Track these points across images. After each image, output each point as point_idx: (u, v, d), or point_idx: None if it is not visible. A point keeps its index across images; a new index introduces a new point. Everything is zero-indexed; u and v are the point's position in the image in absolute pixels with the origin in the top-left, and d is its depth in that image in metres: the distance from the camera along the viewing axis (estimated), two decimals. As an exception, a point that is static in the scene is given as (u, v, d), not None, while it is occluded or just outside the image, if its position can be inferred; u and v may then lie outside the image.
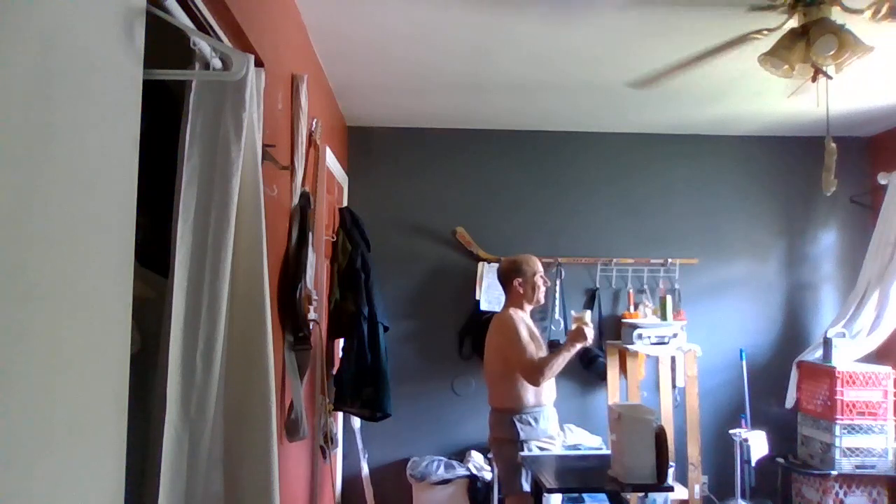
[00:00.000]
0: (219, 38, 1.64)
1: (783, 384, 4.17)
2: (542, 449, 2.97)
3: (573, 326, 3.05)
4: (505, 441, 2.97)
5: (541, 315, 4.21)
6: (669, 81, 3.24)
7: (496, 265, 4.19)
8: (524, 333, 3.02)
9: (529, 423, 2.96)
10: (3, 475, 0.79)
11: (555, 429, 3.10)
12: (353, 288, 3.20)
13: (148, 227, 1.48)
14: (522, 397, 2.99)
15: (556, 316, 4.28)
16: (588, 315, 3.05)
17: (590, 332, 2.97)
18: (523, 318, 3.12)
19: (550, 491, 2.56)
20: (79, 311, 0.96)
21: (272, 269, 2.08)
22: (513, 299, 3.17)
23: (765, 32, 2.55)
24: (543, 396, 3.04)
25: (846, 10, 2.32)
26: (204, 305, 1.34)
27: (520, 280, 3.14)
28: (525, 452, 2.91)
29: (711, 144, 4.50)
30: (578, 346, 2.97)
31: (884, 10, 2.27)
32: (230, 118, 1.41)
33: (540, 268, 3.20)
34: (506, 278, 3.20)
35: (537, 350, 3.02)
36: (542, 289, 3.16)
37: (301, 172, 2.57)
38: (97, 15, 1.02)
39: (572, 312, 3.18)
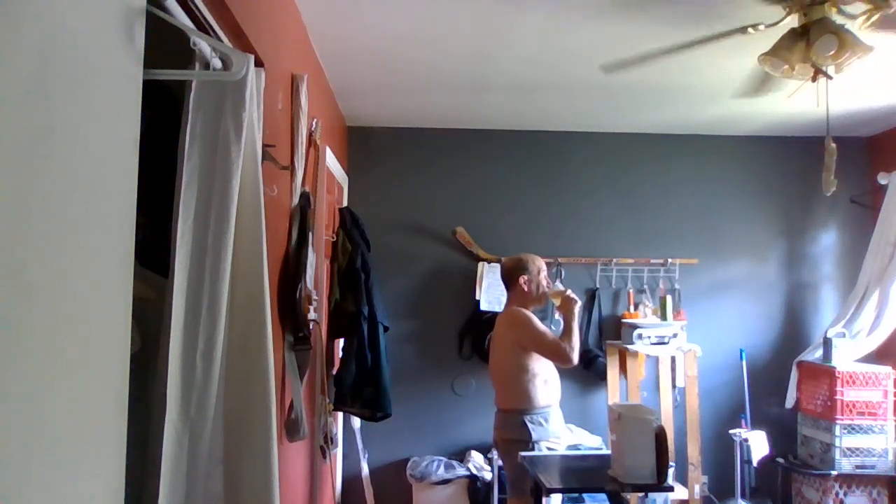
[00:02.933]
0: (219, 38, 1.64)
1: (783, 384, 4.17)
2: (549, 449, 2.95)
3: (556, 302, 3.14)
4: (515, 442, 2.93)
5: (540, 315, 4.20)
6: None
7: (496, 265, 4.21)
8: (538, 321, 3.05)
9: (540, 424, 2.95)
10: (3, 475, 0.78)
11: (562, 428, 3.10)
12: (353, 288, 3.20)
13: (148, 227, 1.48)
14: (533, 397, 2.98)
15: (557, 316, 4.26)
16: (560, 286, 3.24)
17: (572, 294, 3.10)
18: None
19: (551, 491, 2.56)
20: (79, 311, 0.96)
21: (272, 269, 2.08)
22: (517, 298, 3.16)
23: (761, 27, 2.55)
24: (552, 396, 3.03)
25: (843, 14, 2.33)
26: (204, 305, 1.34)
27: (526, 278, 3.13)
28: (535, 452, 2.89)
29: (711, 144, 4.50)
30: (577, 310, 3.06)
31: (874, 18, 2.28)
32: (230, 118, 1.41)
33: (545, 268, 3.21)
34: (510, 276, 3.18)
35: None
36: (545, 290, 3.17)
37: (301, 172, 2.57)
38: (97, 15, 1.02)
39: (546, 290, 3.19)
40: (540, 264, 3.19)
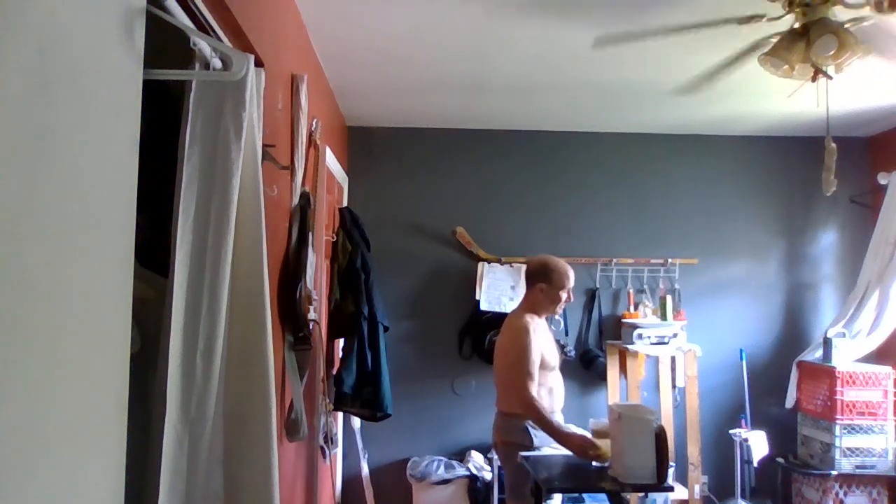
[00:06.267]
0: (219, 38, 1.64)
1: (783, 384, 4.17)
2: None
3: (595, 433, 2.72)
4: (516, 446, 2.88)
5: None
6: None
7: (496, 265, 4.22)
8: (533, 350, 2.85)
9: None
10: (3, 475, 0.78)
11: None
12: (353, 288, 3.20)
13: (148, 227, 1.48)
14: None
15: (557, 316, 4.27)
16: (603, 438, 2.64)
17: (594, 455, 2.63)
18: (539, 324, 2.98)
19: (551, 491, 2.56)
20: (79, 311, 0.96)
21: (272, 269, 2.08)
22: (530, 302, 3.04)
23: (776, 36, 2.54)
24: (554, 403, 2.97)
25: (847, 6, 2.31)
26: (204, 305, 1.34)
27: (543, 286, 2.98)
28: (535, 453, 2.83)
29: (711, 144, 4.50)
30: (571, 450, 2.72)
31: (886, 1, 2.24)
32: (230, 118, 1.41)
33: (571, 283, 3.01)
34: (531, 278, 3.05)
35: (550, 357, 2.94)
36: (563, 304, 3.02)
37: (301, 172, 2.57)
38: (97, 15, 1.02)
39: (591, 421, 2.80)
40: (566, 280, 2.99)
